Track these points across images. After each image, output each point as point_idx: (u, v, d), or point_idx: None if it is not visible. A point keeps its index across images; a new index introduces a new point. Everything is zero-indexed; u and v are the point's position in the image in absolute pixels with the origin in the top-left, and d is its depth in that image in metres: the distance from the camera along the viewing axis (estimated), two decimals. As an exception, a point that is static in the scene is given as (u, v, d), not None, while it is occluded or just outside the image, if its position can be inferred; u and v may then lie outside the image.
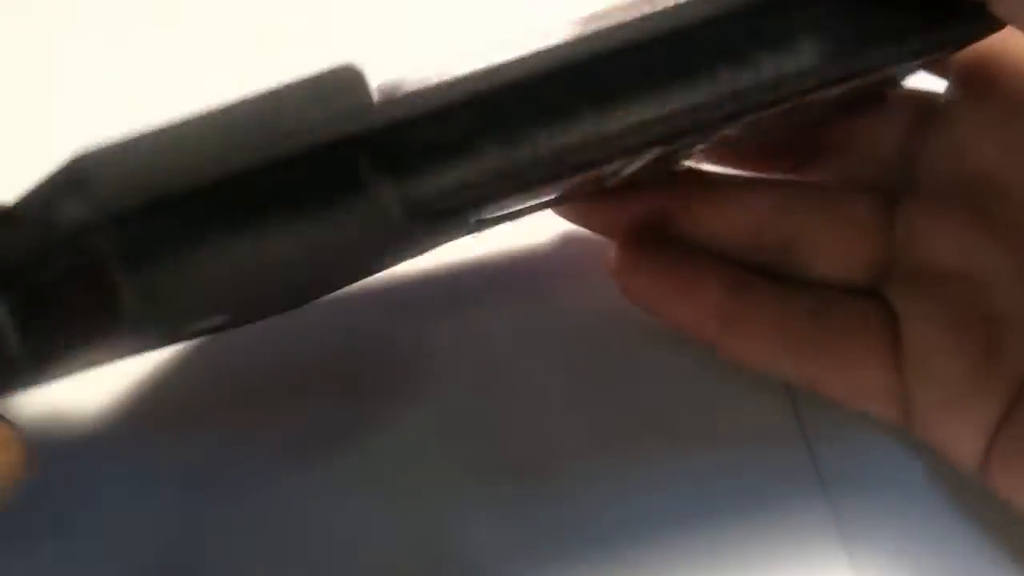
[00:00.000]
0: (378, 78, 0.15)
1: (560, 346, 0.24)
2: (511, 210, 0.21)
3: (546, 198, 0.21)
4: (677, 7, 0.16)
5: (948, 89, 0.22)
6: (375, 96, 0.15)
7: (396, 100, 0.14)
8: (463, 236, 0.22)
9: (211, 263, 0.14)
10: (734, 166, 0.25)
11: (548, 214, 0.24)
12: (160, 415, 0.23)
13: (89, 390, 0.23)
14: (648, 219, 0.23)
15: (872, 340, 0.22)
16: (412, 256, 0.22)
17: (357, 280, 0.22)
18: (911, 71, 0.22)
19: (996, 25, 0.18)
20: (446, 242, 0.23)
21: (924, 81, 0.23)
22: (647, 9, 0.16)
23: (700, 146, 0.22)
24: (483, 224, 0.22)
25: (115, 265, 0.13)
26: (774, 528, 0.23)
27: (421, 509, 0.22)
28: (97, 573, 0.22)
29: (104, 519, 0.22)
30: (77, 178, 0.13)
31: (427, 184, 0.15)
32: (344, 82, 0.14)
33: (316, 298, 0.22)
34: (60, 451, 0.23)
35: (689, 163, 0.23)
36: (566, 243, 0.26)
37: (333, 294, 0.23)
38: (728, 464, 0.23)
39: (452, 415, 0.24)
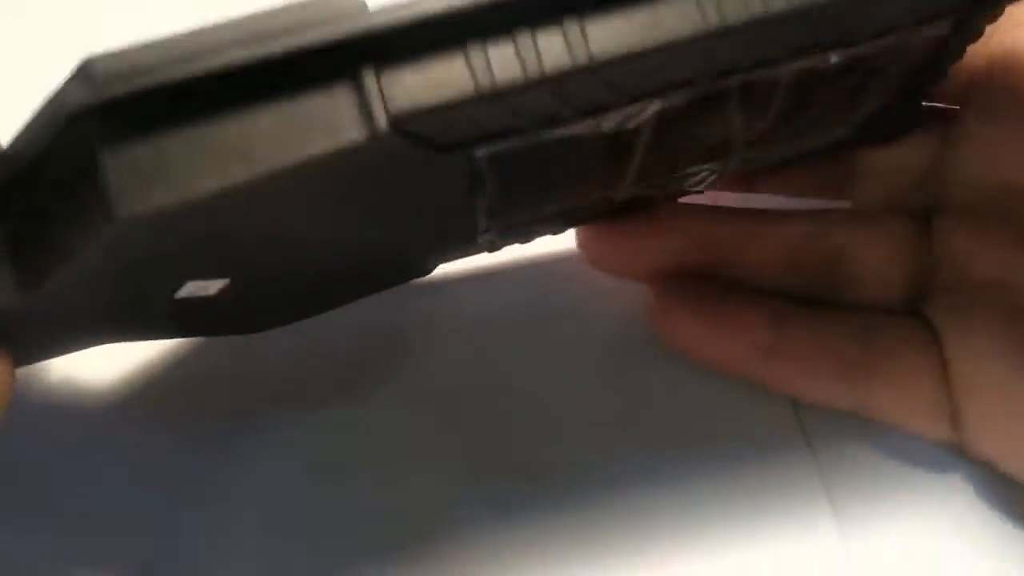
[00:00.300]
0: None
1: (562, 347, 0.24)
2: (520, 213, 0.20)
3: (556, 203, 0.21)
4: None
5: (963, 107, 0.23)
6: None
7: (387, 9, 0.15)
8: (478, 251, 0.22)
9: (196, 150, 0.14)
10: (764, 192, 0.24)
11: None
12: (161, 406, 0.23)
13: (94, 376, 0.23)
14: (681, 264, 0.23)
15: (918, 358, 0.22)
16: (422, 248, 0.21)
17: (372, 282, 0.22)
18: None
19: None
20: (461, 254, 0.22)
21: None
22: None
23: (713, 164, 0.21)
24: (496, 240, 0.21)
25: (101, 147, 0.14)
26: (775, 527, 0.23)
27: (418, 506, 0.23)
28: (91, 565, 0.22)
29: (100, 507, 0.22)
30: (84, 71, 0.14)
31: (413, 88, 0.15)
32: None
33: (338, 298, 0.22)
34: (58, 437, 0.23)
35: (702, 180, 0.23)
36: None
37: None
38: (729, 463, 0.23)
39: (451, 413, 0.24)
